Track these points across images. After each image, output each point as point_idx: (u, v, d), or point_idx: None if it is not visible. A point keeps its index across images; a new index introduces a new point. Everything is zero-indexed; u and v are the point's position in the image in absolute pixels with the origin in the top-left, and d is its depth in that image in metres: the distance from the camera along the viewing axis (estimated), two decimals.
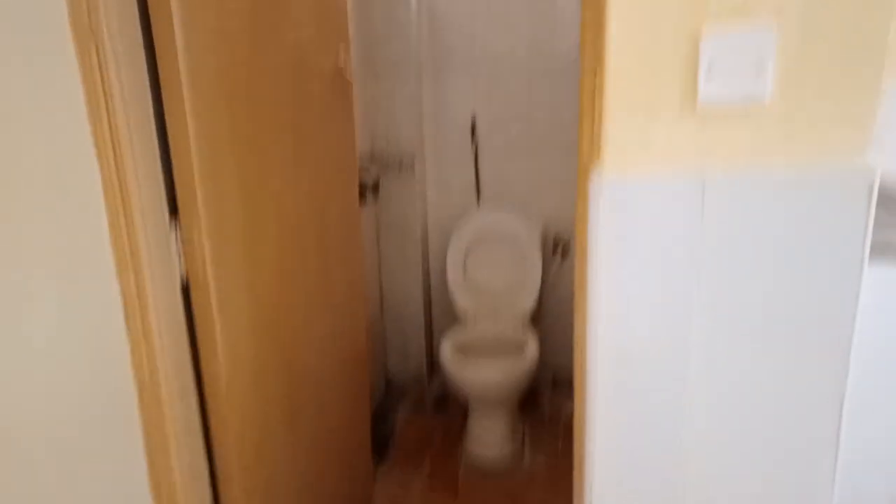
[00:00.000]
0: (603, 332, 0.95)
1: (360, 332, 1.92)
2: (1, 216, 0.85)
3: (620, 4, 0.84)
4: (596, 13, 0.88)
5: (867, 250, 0.86)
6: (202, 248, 1.17)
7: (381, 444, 2.36)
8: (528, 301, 2.44)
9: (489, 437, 2.27)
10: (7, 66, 0.85)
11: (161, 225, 1.13)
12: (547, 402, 2.66)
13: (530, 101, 2.45)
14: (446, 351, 2.19)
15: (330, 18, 1.66)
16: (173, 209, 1.15)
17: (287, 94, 1.43)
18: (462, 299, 2.50)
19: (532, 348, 2.20)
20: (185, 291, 1.19)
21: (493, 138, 2.53)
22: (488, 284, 2.51)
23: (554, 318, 2.63)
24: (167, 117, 1.11)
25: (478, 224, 2.48)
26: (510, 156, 2.53)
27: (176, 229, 1.16)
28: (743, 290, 0.90)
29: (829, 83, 0.83)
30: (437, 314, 2.75)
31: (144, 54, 1.06)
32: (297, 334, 1.53)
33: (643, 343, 0.94)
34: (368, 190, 2.15)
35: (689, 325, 0.92)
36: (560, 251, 2.56)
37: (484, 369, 2.15)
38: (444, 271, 2.56)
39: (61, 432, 0.96)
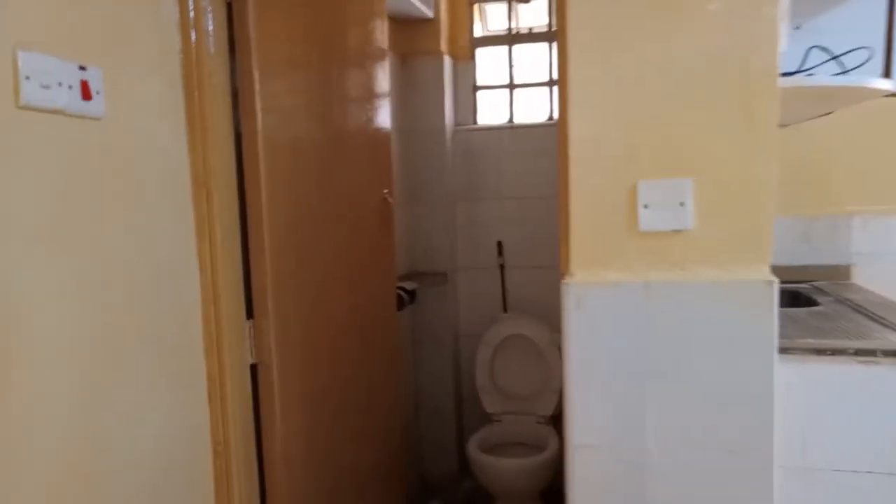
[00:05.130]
0: (575, 422, 1.20)
1: (397, 430, 2.18)
2: (129, 307, 1.20)
3: (578, 161, 1.17)
4: (563, 167, 1.22)
5: (776, 341, 1.12)
6: (269, 340, 1.50)
7: None
8: (549, 402, 2.66)
9: None
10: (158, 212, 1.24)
11: (240, 322, 1.46)
12: None
13: (550, 225, 2.80)
14: (473, 450, 2.42)
15: (377, 161, 2.06)
16: (249, 312, 1.49)
17: (341, 223, 1.80)
18: (489, 401, 2.73)
19: (553, 446, 2.40)
20: (254, 372, 1.51)
21: (517, 257, 2.86)
22: (513, 387, 2.74)
23: None
24: (251, 242, 1.47)
25: (503, 330, 2.75)
26: (532, 271, 2.85)
27: (250, 327, 1.49)
28: (682, 373, 1.15)
29: (734, 216, 1.13)
30: (468, 414, 2.97)
31: (238, 202, 1.45)
32: (342, 425, 1.80)
33: (606, 430, 1.19)
34: (406, 300, 2.47)
35: (643, 405, 1.17)
36: None
37: (507, 467, 2.36)
38: (474, 374, 2.81)
39: (146, 477, 1.25)
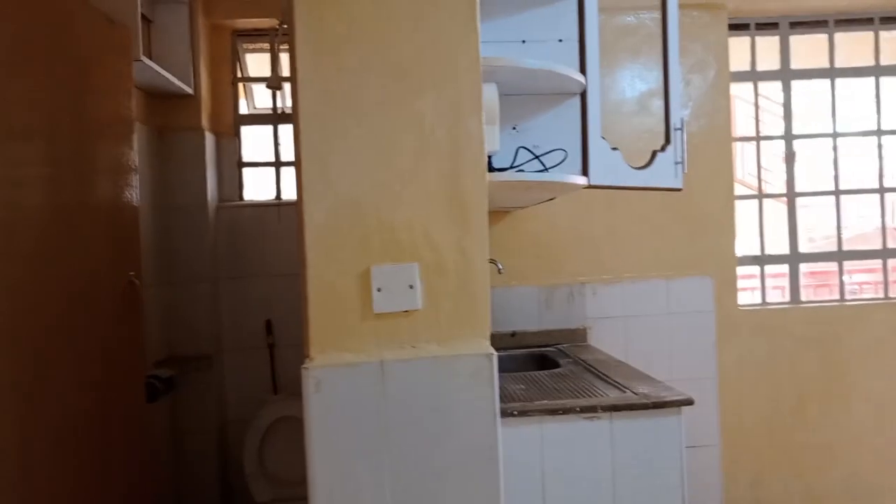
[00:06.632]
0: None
1: None
2: None
3: (313, 246, 1.20)
4: (301, 252, 1.24)
5: (497, 408, 1.22)
6: None
7: None
8: None
9: None
10: None
11: None
12: None
13: None
14: None
15: (122, 239, 1.92)
16: None
17: (72, 311, 1.64)
18: (259, 489, 2.59)
19: None
20: None
21: (289, 335, 2.81)
22: (284, 472, 2.64)
23: None
24: None
25: (273, 413, 2.66)
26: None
27: None
28: (416, 447, 1.20)
29: (454, 296, 1.23)
30: None
31: None
32: None
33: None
34: (161, 389, 2.29)
35: (383, 482, 1.20)
36: None
37: None
38: (242, 462, 2.66)
39: None
